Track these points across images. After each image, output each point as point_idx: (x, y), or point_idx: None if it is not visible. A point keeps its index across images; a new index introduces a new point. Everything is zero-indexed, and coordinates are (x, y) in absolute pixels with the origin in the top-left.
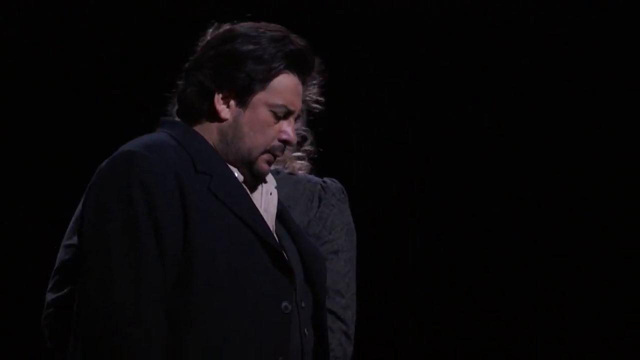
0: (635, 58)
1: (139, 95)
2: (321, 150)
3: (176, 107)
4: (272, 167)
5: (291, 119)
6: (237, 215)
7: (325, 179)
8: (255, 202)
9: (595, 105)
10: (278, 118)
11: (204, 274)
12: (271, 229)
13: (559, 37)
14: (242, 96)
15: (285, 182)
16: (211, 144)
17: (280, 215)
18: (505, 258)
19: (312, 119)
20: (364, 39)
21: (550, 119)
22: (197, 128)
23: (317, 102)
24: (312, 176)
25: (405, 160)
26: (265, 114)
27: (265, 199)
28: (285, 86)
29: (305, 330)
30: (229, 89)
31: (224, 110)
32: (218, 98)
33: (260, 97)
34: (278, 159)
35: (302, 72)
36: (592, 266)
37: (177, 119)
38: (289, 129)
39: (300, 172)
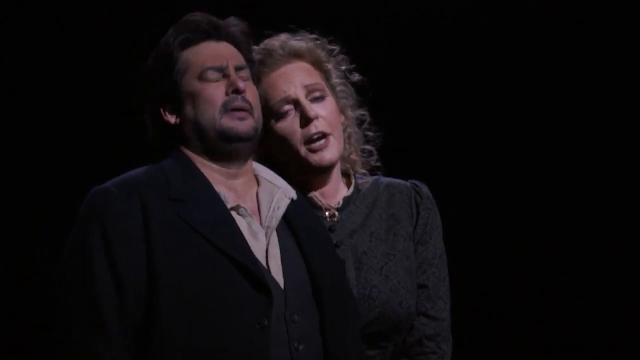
0: (636, 58)
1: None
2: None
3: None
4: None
5: (229, 72)
6: (207, 239)
7: (413, 182)
8: (251, 221)
9: (595, 105)
10: (214, 79)
11: (170, 303)
12: (264, 244)
13: (559, 37)
14: (175, 94)
15: (379, 191)
16: (198, 155)
17: (291, 225)
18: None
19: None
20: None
21: (551, 118)
22: (183, 146)
23: (350, 72)
24: (399, 180)
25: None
26: (198, 86)
27: (270, 215)
28: (197, 53)
29: (298, 344)
30: (162, 97)
31: (172, 117)
32: (163, 112)
33: (185, 81)
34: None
35: (209, 35)
36: None
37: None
38: (230, 79)
39: (382, 178)
